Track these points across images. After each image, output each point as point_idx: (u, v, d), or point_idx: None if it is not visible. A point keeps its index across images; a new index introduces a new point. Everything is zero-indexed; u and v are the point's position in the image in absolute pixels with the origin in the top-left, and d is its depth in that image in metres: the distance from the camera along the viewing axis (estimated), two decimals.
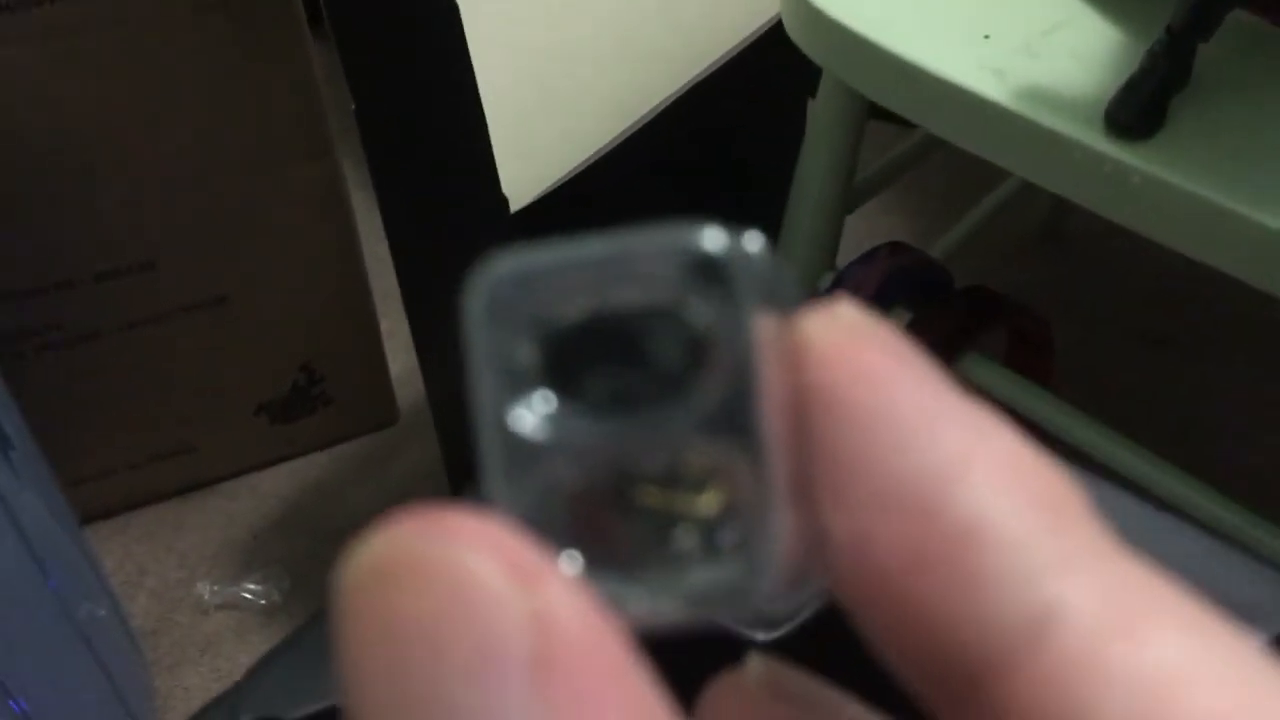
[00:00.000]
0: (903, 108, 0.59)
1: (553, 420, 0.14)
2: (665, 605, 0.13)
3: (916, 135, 0.83)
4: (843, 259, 0.78)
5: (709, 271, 0.13)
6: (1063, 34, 0.57)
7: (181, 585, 0.97)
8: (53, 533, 0.76)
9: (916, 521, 0.12)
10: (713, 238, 0.13)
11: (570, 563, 0.13)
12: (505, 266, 0.13)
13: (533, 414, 0.14)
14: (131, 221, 0.84)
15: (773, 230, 0.89)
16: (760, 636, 0.24)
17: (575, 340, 0.14)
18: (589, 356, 0.14)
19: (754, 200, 0.86)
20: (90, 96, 0.77)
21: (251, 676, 0.22)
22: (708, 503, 0.13)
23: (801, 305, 0.14)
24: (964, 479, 0.12)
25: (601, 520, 0.13)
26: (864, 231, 0.97)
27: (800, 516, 0.13)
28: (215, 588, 0.96)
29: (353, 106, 0.73)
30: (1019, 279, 1.13)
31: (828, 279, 0.76)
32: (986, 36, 0.57)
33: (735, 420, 0.13)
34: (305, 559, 0.98)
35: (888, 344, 0.13)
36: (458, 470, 0.98)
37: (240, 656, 0.93)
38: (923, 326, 0.72)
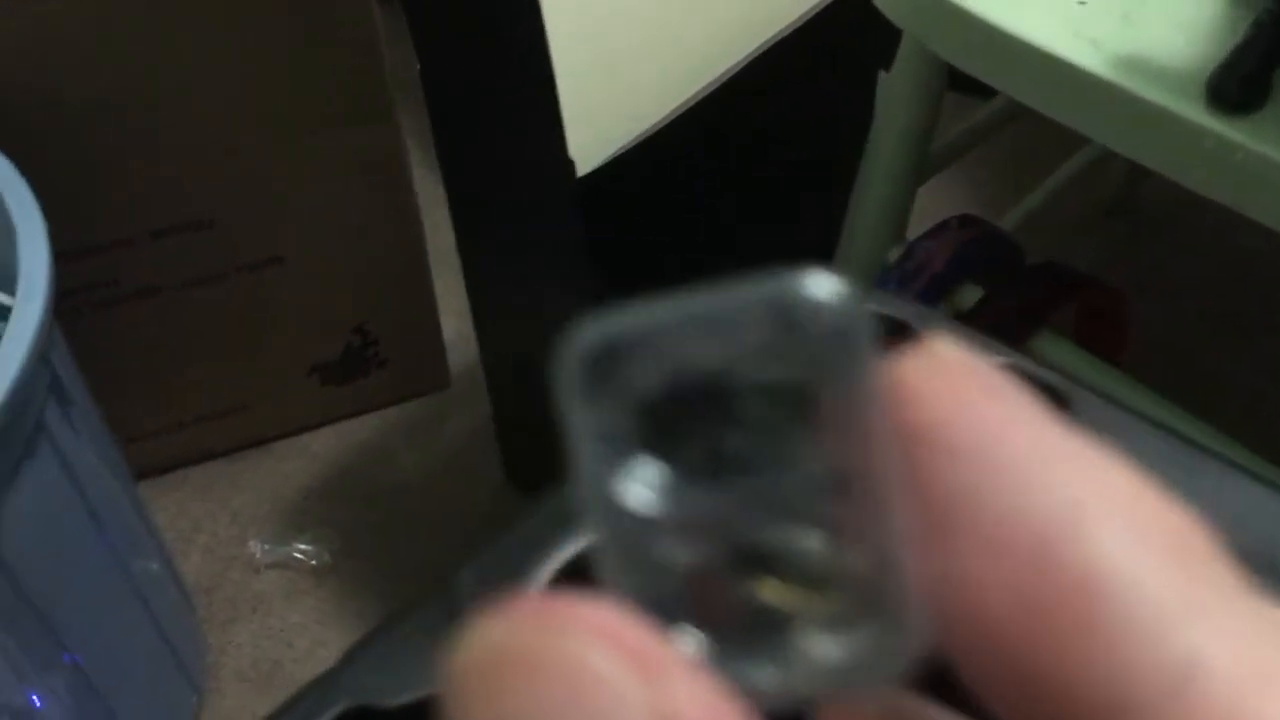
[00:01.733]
0: (991, 76, 0.57)
1: (662, 492, 0.13)
2: (799, 681, 0.12)
3: (991, 106, 0.81)
4: (909, 231, 0.76)
5: (805, 322, 0.13)
6: (1161, 4, 0.54)
7: (234, 543, 0.97)
8: (109, 488, 0.76)
9: (1033, 567, 0.12)
10: (806, 286, 0.13)
11: (690, 643, 0.12)
12: (595, 332, 0.13)
13: (641, 487, 0.13)
14: (190, 180, 0.83)
15: (835, 204, 0.87)
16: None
17: (674, 405, 0.13)
18: (689, 421, 0.13)
19: (818, 171, 0.85)
20: (150, 55, 0.77)
21: (348, 661, 0.21)
22: (832, 565, 0.13)
23: (883, 343, 0.13)
24: (1083, 522, 0.12)
25: (719, 592, 0.13)
26: (927, 203, 0.96)
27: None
28: (266, 547, 0.96)
29: (418, 67, 0.72)
30: (1087, 253, 1.11)
31: (896, 251, 0.74)
32: (1082, 2, 0.55)
33: (850, 474, 0.12)
34: (355, 521, 0.98)
35: (994, 382, 0.13)
36: (509, 435, 0.97)
37: (291, 616, 0.93)
38: (995, 303, 0.71)
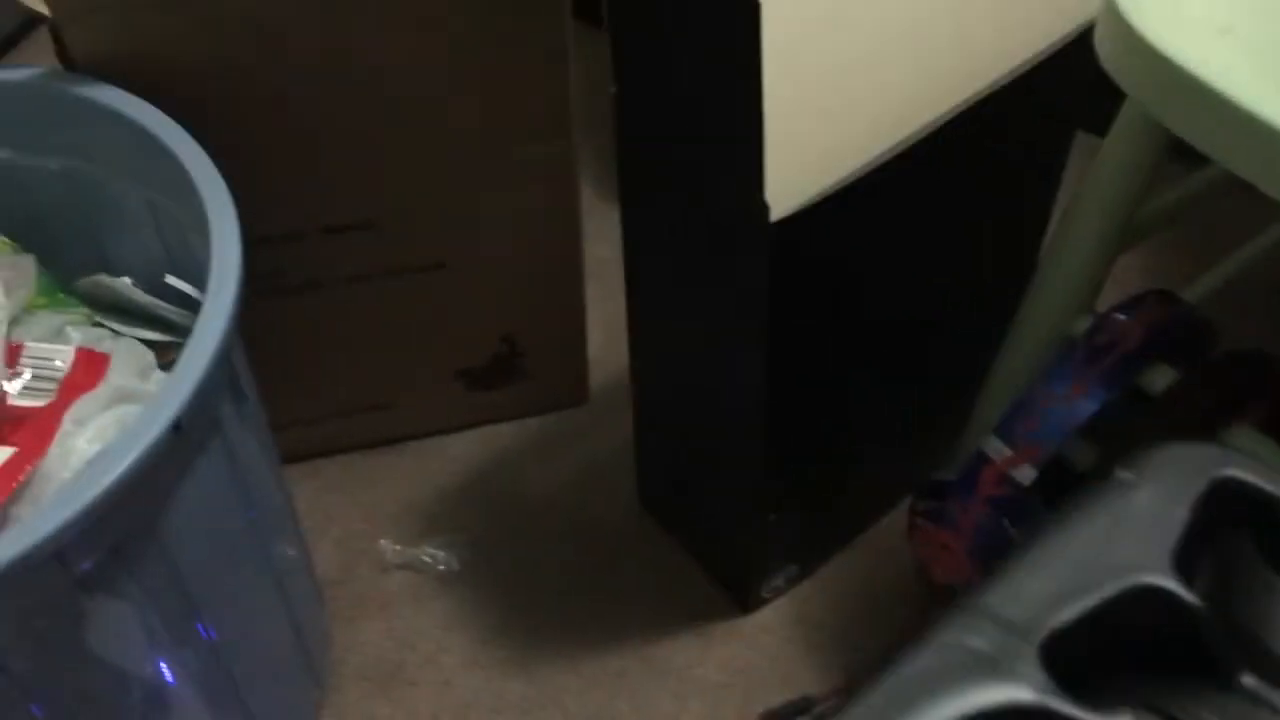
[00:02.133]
0: (1230, 160, 0.54)
1: None
2: None
3: (1197, 180, 0.77)
4: None
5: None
6: None
7: (365, 538, 0.97)
8: (261, 470, 0.76)
9: None
10: None
11: None
12: None
13: None
14: (367, 180, 0.83)
15: (1018, 262, 0.84)
16: None
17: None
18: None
19: (1007, 234, 0.82)
20: (341, 48, 0.77)
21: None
22: None
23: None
24: None
25: None
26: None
27: None
28: (397, 547, 0.96)
29: (613, 89, 0.71)
30: (1260, 335, 1.06)
31: (1084, 322, 0.71)
32: None
33: None
34: (486, 530, 0.98)
35: None
36: (648, 461, 0.96)
37: (417, 620, 0.93)
38: (1190, 388, 0.67)
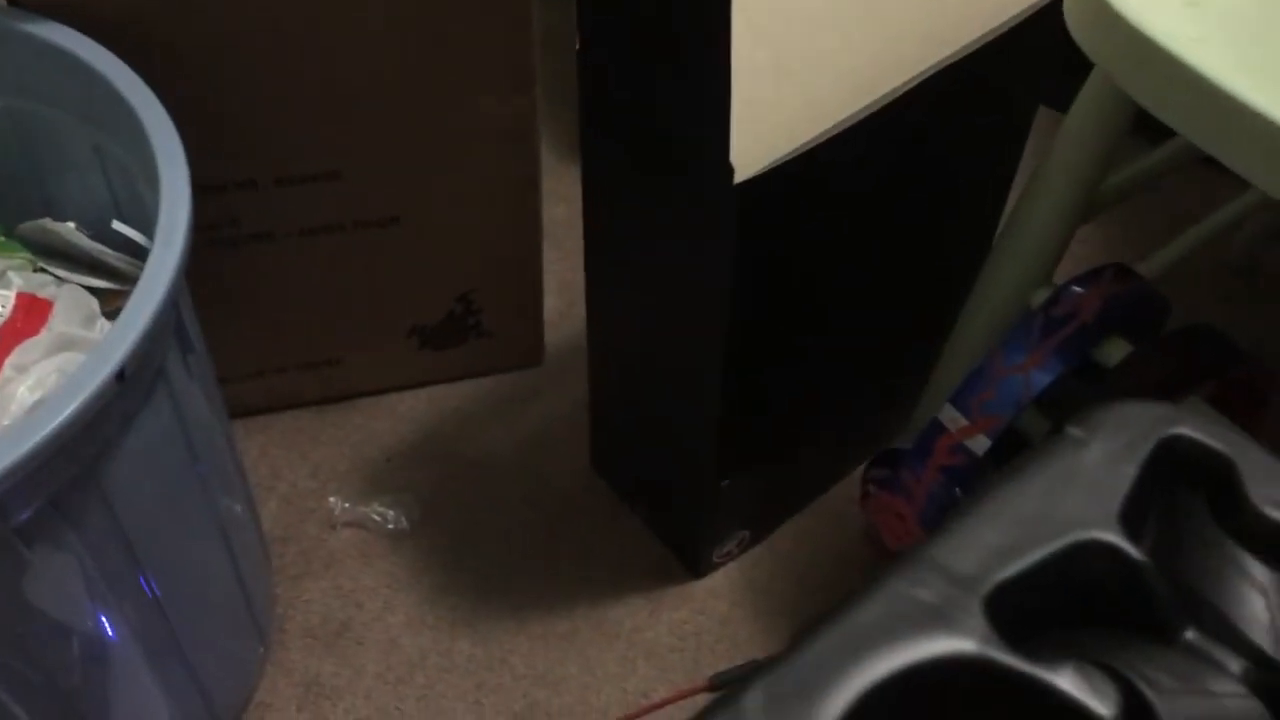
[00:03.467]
0: (1197, 133, 0.54)
1: None
2: None
3: (1159, 154, 0.77)
4: None
5: None
6: None
7: (313, 495, 0.96)
8: (208, 423, 0.75)
9: None
10: None
11: None
12: None
13: None
14: (322, 131, 0.81)
15: (978, 234, 0.84)
16: None
17: None
18: None
19: (968, 204, 0.82)
20: (304, 3, 0.75)
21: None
22: None
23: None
24: None
25: None
26: None
27: None
28: (346, 504, 0.95)
29: (576, 46, 0.70)
30: (1209, 314, 1.07)
31: (1043, 294, 0.72)
32: None
33: None
34: (436, 488, 0.97)
35: None
36: (600, 423, 0.96)
37: (364, 578, 0.92)
38: (1145, 362, 0.68)
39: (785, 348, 0.78)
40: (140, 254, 0.64)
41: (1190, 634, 0.24)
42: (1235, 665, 0.23)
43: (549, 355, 1.05)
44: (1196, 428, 0.26)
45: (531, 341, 1.03)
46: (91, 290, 0.71)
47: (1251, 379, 0.71)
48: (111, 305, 0.71)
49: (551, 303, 1.04)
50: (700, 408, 0.79)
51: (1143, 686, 0.22)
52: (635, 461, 0.94)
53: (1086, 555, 0.23)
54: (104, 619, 0.69)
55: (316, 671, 0.87)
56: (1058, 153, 0.66)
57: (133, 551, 0.68)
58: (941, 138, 0.73)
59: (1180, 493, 0.25)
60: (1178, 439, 0.25)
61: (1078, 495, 0.24)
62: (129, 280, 0.71)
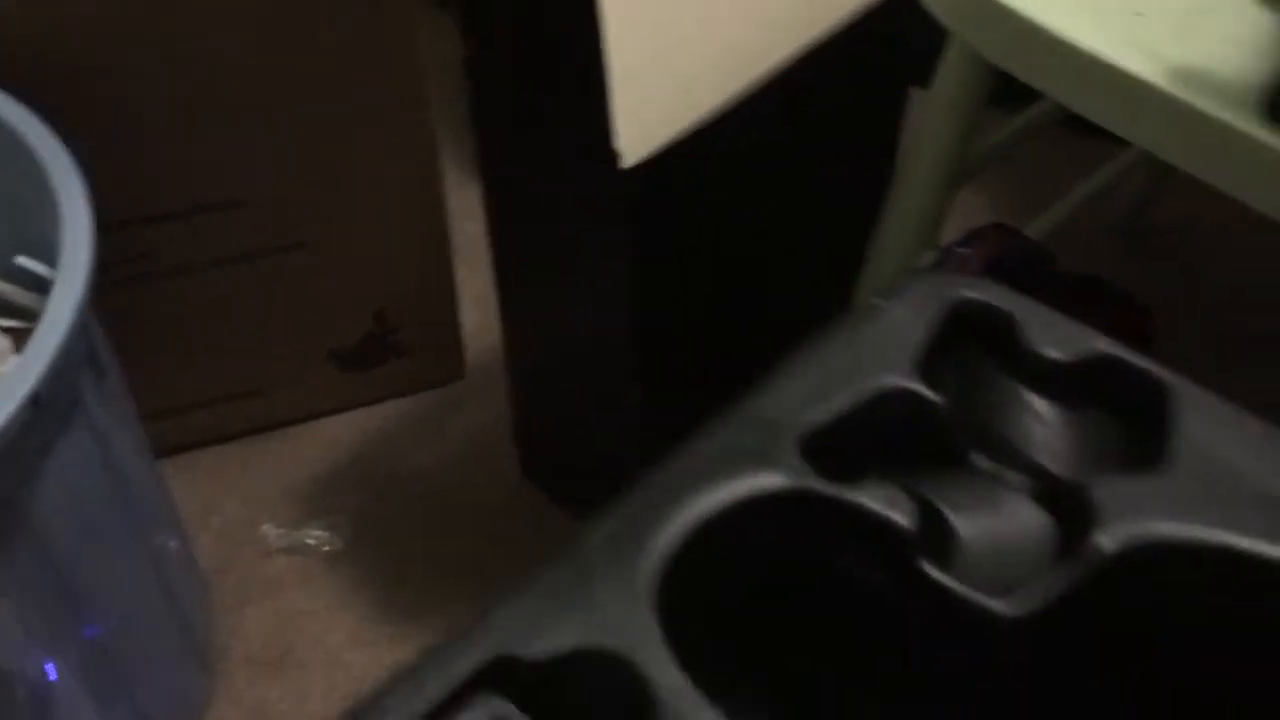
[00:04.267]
0: (1042, 82, 0.57)
1: None
2: None
3: (1021, 119, 0.81)
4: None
5: None
6: (1219, 19, 0.55)
7: (246, 525, 0.97)
8: (135, 463, 0.75)
9: None
10: None
11: None
12: None
13: None
14: (221, 161, 0.83)
15: (868, 207, 0.87)
16: (1005, 610, 0.23)
17: None
18: None
19: (856, 175, 0.85)
20: (189, 27, 0.76)
21: (484, 618, 0.22)
22: None
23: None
24: None
25: None
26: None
27: None
28: (279, 531, 0.95)
29: (463, 54, 0.72)
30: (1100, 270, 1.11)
31: (930, 257, 0.75)
32: (1139, 14, 0.55)
33: None
34: (368, 508, 0.98)
35: None
36: (526, 431, 0.97)
37: (303, 601, 0.93)
38: None
39: (695, 327, 0.81)
40: (48, 290, 0.65)
41: (983, 461, 0.27)
42: (1022, 483, 0.26)
43: (470, 369, 1.07)
44: (981, 290, 0.29)
45: (451, 357, 1.04)
46: (4, 330, 0.72)
47: (1128, 320, 0.75)
48: (24, 343, 0.71)
49: (469, 317, 1.05)
50: (621, 402, 0.82)
51: (939, 502, 0.24)
52: (565, 464, 0.96)
53: (889, 400, 0.26)
54: (45, 662, 0.69)
55: (263, 697, 0.88)
56: (925, 121, 0.69)
57: (67, 587, 0.69)
58: (821, 115, 0.76)
59: (972, 347, 0.28)
60: (967, 300, 0.28)
61: (879, 350, 0.27)
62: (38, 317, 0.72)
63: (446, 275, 0.98)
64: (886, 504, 0.24)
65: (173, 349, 0.93)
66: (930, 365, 0.27)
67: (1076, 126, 0.66)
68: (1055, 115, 0.80)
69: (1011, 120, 0.81)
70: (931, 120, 0.70)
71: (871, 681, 0.25)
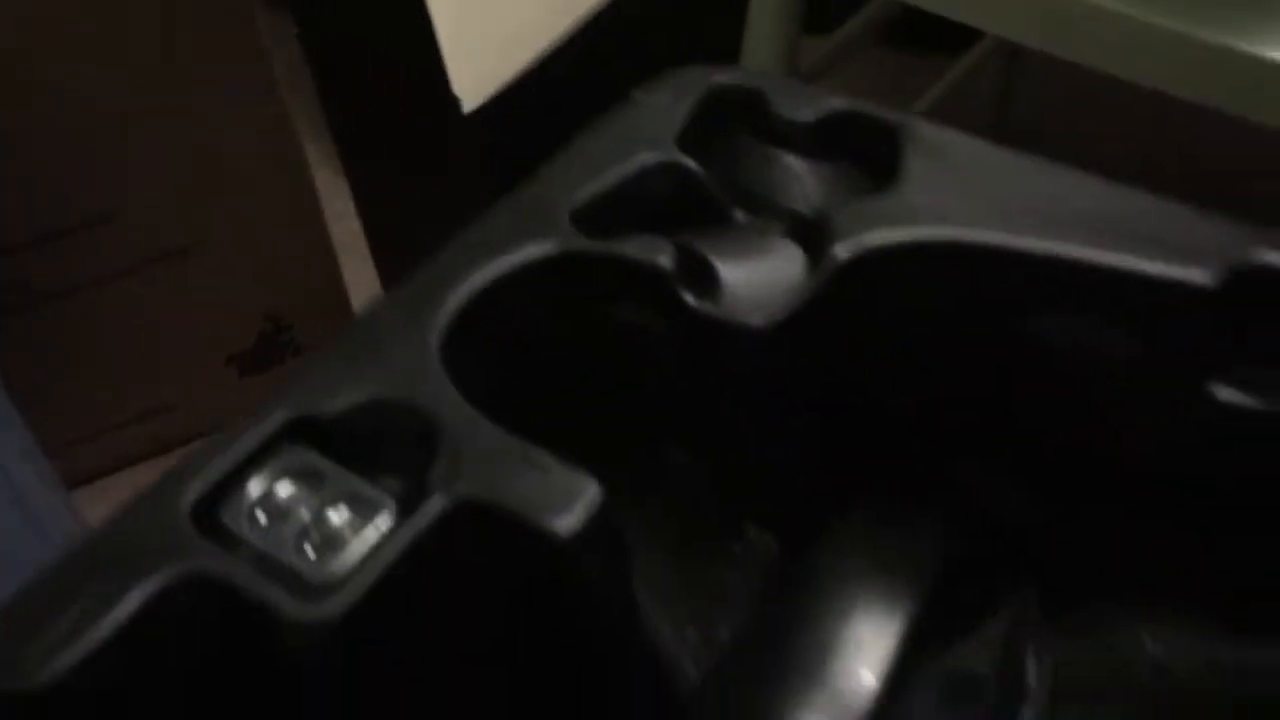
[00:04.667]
0: None
1: None
2: None
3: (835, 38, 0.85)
4: None
5: None
6: None
7: None
8: (48, 500, 0.75)
9: None
10: None
11: None
12: None
13: None
14: (89, 174, 0.84)
15: None
16: (756, 322, 0.27)
17: None
18: None
19: None
20: (23, 41, 0.78)
21: (288, 380, 0.24)
22: None
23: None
24: None
25: None
26: None
27: None
28: None
29: (296, 31, 0.75)
30: None
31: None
32: None
33: None
34: None
35: None
36: None
37: None
38: None
39: None
40: None
41: (743, 217, 0.30)
42: (777, 228, 0.29)
43: None
44: (732, 74, 0.32)
45: None
46: None
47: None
48: None
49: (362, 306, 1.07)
50: None
51: (699, 246, 0.28)
52: None
53: (654, 172, 0.29)
54: None
55: None
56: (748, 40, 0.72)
57: None
58: (661, 39, 0.79)
59: (730, 125, 0.32)
60: (721, 85, 0.32)
61: (643, 132, 0.30)
62: None
63: (332, 268, 1.00)
64: (649, 251, 0.27)
65: (69, 375, 0.93)
66: (693, 143, 0.30)
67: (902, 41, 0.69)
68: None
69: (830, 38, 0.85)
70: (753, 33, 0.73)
71: (645, 423, 0.29)
